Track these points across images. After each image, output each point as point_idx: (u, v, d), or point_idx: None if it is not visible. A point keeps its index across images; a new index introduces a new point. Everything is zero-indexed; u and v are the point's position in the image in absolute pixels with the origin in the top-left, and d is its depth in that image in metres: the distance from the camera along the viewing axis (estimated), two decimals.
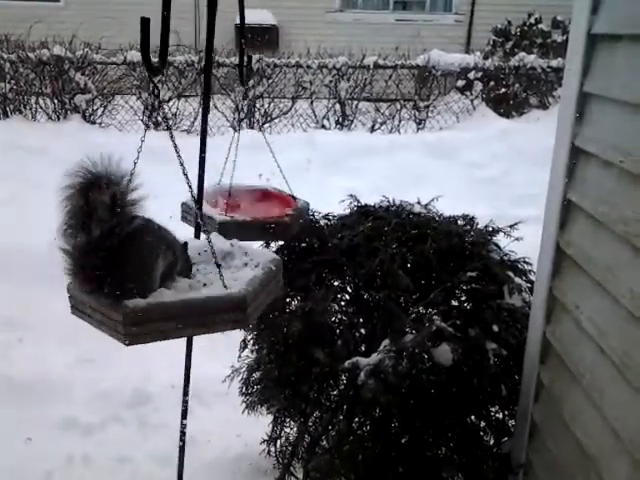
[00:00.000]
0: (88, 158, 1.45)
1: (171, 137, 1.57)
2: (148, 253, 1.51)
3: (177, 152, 1.56)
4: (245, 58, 2.22)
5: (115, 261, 1.44)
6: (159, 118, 7.91)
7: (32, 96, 7.96)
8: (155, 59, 1.52)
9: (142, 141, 1.54)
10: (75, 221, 1.45)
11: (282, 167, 2.41)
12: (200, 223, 1.79)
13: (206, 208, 2.16)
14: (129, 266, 1.47)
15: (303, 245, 2.39)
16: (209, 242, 1.61)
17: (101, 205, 1.47)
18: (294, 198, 2.39)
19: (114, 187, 1.47)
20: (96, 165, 1.46)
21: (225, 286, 1.52)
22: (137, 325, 1.41)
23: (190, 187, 1.60)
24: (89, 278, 1.46)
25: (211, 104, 7.73)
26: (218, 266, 1.56)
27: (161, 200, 2.31)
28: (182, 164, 1.56)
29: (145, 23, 1.43)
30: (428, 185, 5.32)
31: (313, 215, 2.49)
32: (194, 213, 2.05)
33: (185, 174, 1.56)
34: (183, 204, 2.25)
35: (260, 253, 1.78)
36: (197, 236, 2.04)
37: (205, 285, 1.57)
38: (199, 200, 1.99)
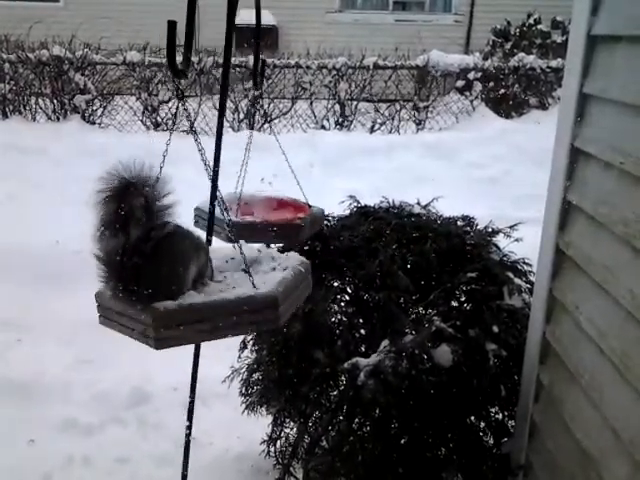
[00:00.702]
0: (121, 163, 1.46)
1: (195, 140, 1.60)
2: (182, 256, 1.51)
3: (201, 154, 1.59)
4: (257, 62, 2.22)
5: (152, 263, 1.45)
6: (159, 118, 7.93)
7: (31, 96, 7.97)
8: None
9: (168, 144, 1.56)
10: (111, 225, 1.45)
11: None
12: (229, 235, 1.76)
13: (217, 211, 2.14)
14: (164, 269, 1.47)
15: (308, 246, 2.38)
16: (240, 247, 1.60)
17: (138, 208, 1.46)
18: (309, 206, 2.37)
19: (149, 191, 1.47)
20: (129, 170, 1.47)
21: (255, 286, 1.50)
22: (168, 328, 1.39)
23: (215, 188, 1.60)
24: (124, 281, 1.45)
25: (210, 104, 7.75)
26: (247, 268, 1.55)
27: None
28: (205, 164, 1.59)
29: (172, 26, 1.43)
30: (428, 186, 5.33)
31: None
32: (203, 215, 2.05)
33: (211, 179, 1.56)
34: (197, 209, 2.22)
35: (288, 257, 1.75)
36: (209, 239, 2.02)
37: (235, 288, 1.56)
38: (212, 203, 1.98)
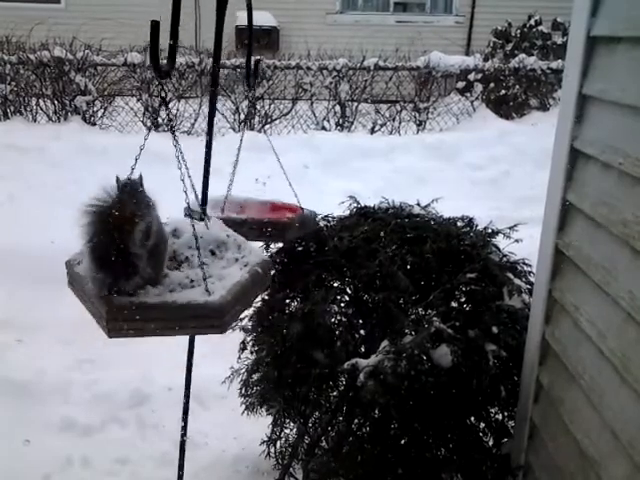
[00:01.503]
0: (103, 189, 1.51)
1: (174, 139, 1.61)
2: (165, 246, 1.62)
3: (178, 154, 1.59)
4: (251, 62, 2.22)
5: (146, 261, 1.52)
6: (160, 119, 7.93)
7: (32, 97, 7.97)
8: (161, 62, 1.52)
9: (142, 146, 1.57)
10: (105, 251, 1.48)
11: (284, 169, 2.40)
12: (192, 211, 1.79)
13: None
14: (157, 262, 1.57)
15: (303, 246, 2.39)
16: (195, 236, 1.65)
17: (137, 238, 1.51)
18: (302, 209, 2.39)
19: (143, 217, 1.51)
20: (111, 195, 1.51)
21: (207, 290, 1.56)
22: (119, 321, 1.48)
23: (192, 188, 1.63)
24: (116, 276, 1.50)
25: None
26: (202, 267, 1.60)
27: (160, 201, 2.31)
28: (185, 165, 1.60)
29: (155, 27, 1.44)
30: (428, 186, 5.34)
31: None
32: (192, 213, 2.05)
33: (189, 175, 1.60)
34: (186, 208, 2.23)
35: (252, 251, 1.80)
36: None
37: (192, 282, 1.62)
38: (204, 199, 1.99)
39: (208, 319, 1.53)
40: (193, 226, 1.66)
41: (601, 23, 1.59)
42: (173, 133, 1.64)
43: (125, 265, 1.47)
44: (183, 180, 1.59)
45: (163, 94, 1.65)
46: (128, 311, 1.47)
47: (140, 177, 1.56)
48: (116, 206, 1.48)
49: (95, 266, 1.48)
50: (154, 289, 1.55)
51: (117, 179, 1.54)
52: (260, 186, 2.64)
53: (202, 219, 1.87)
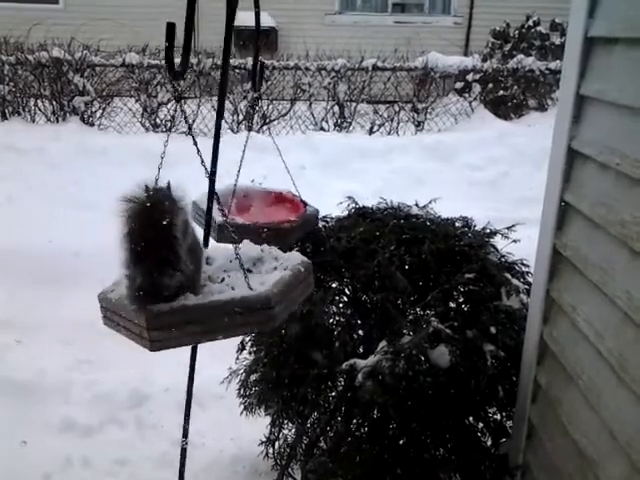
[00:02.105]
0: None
1: (193, 138, 1.60)
2: (201, 251, 1.60)
3: (199, 153, 1.59)
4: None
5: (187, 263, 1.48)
6: (158, 120, 7.93)
7: (31, 98, 7.96)
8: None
9: (165, 145, 1.57)
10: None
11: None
12: (233, 236, 1.77)
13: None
14: (195, 264, 1.53)
15: (301, 247, 2.39)
16: (235, 248, 1.61)
17: (179, 229, 1.46)
18: (305, 204, 2.37)
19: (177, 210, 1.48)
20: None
21: (250, 287, 1.50)
22: (160, 329, 1.39)
23: (213, 189, 1.61)
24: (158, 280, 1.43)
25: (209, 106, 7.75)
26: (242, 267, 1.55)
27: None
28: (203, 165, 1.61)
29: (170, 28, 1.43)
30: (426, 187, 5.35)
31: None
32: (199, 211, 2.06)
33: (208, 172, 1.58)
34: (194, 203, 2.21)
35: (289, 257, 1.75)
36: (206, 238, 2.03)
37: (233, 289, 1.56)
38: (209, 204, 1.99)
39: (255, 313, 1.45)
40: (235, 246, 1.62)
41: (598, 24, 1.60)
42: (192, 135, 1.62)
43: (167, 257, 1.41)
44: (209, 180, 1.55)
45: (177, 96, 1.62)
46: (169, 316, 1.38)
47: (169, 184, 1.51)
48: (155, 200, 1.43)
49: (136, 261, 1.41)
50: (192, 296, 1.47)
51: (146, 185, 1.48)
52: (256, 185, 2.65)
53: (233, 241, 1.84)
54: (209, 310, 1.44)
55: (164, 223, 1.40)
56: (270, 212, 2.41)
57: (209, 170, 1.59)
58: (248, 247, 1.77)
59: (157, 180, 1.47)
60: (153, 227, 1.40)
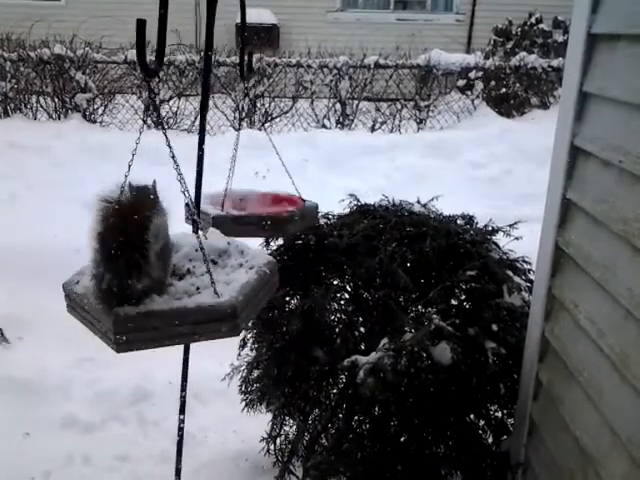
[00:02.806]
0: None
1: (166, 137, 1.57)
2: (170, 251, 1.56)
3: (171, 152, 1.55)
4: (246, 55, 2.22)
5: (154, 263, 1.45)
6: (164, 118, 7.92)
7: (33, 95, 7.97)
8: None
9: (137, 143, 1.54)
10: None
11: (282, 166, 2.40)
12: (197, 220, 1.78)
13: (203, 206, 2.15)
14: (163, 265, 1.50)
15: (303, 244, 2.39)
16: (199, 242, 1.60)
17: (151, 233, 1.44)
18: (303, 200, 2.37)
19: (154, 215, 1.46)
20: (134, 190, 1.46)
21: (217, 293, 1.50)
22: (127, 333, 1.40)
23: (184, 186, 1.60)
24: (121, 278, 1.42)
25: (211, 103, 7.74)
26: (209, 272, 1.54)
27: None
28: (175, 162, 1.56)
29: (141, 25, 1.41)
30: (428, 185, 5.34)
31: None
32: (191, 211, 2.04)
33: (180, 174, 1.56)
34: (187, 205, 2.22)
35: (256, 254, 1.75)
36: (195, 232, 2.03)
37: (199, 289, 1.55)
38: (197, 196, 1.99)
39: (220, 322, 1.46)
40: (197, 235, 1.61)
41: (601, 20, 1.59)
42: (164, 131, 1.60)
43: (137, 261, 1.39)
44: (180, 180, 1.55)
45: (152, 95, 1.60)
46: (136, 321, 1.38)
47: (154, 183, 1.51)
48: (131, 201, 1.42)
49: (106, 261, 1.39)
50: (160, 298, 1.47)
51: (129, 183, 1.48)
52: (260, 180, 2.63)
53: (199, 228, 1.83)
54: (175, 317, 1.43)
55: (137, 226, 1.39)
56: (268, 210, 2.41)
57: (179, 171, 1.55)
58: (215, 238, 1.77)
59: (126, 179, 1.47)
60: (126, 229, 1.38)
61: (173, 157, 1.55)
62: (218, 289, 1.51)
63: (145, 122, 8.06)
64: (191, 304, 1.46)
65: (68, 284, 1.56)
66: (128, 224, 1.39)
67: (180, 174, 1.55)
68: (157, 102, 1.65)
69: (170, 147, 1.54)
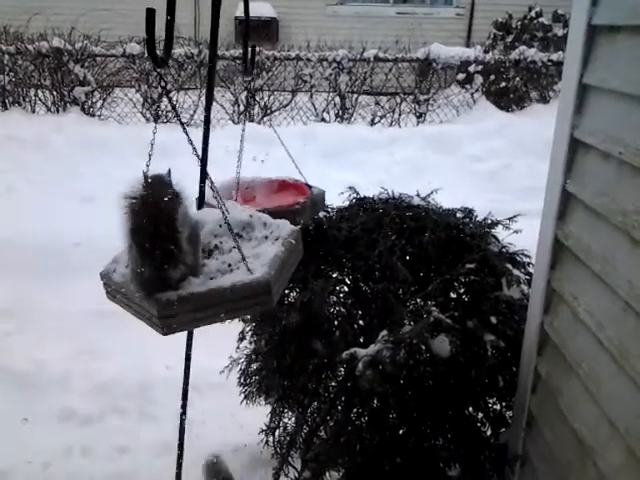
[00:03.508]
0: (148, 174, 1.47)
1: (183, 127, 1.60)
2: (198, 237, 1.59)
3: (190, 142, 1.58)
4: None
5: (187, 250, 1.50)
6: (160, 111, 7.90)
7: (31, 88, 7.94)
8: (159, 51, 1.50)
9: (153, 140, 1.56)
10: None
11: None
12: (217, 198, 1.77)
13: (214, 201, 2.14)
14: (195, 252, 1.55)
15: (302, 236, 2.38)
16: (225, 219, 1.63)
17: (179, 221, 1.48)
18: (309, 187, 2.37)
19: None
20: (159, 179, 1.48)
21: (249, 269, 1.55)
22: (171, 317, 1.46)
23: (204, 178, 1.61)
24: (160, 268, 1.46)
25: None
26: (239, 250, 1.59)
27: None
28: (194, 150, 1.60)
29: (151, 14, 1.42)
30: (428, 179, 5.33)
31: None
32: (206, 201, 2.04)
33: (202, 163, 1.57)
34: (199, 197, 2.21)
35: (280, 225, 1.79)
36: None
37: (230, 267, 1.61)
38: (202, 187, 1.98)
39: (256, 297, 1.52)
40: (222, 210, 1.64)
41: (602, 12, 1.58)
42: (181, 123, 1.63)
43: (171, 251, 1.44)
44: (202, 171, 1.56)
45: (163, 83, 1.61)
46: (178, 305, 1.45)
47: (169, 171, 1.52)
48: (153, 193, 1.44)
49: (141, 257, 1.44)
50: (196, 279, 1.52)
51: (145, 175, 1.49)
52: (260, 167, 2.61)
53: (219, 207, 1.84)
54: (214, 297, 1.49)
55: (165, 217, 1.43)
56: (276, 199, 2.40)
57: (200, 159, 1.58)
58: (237, 211, 1.80)
59: (148, 170, 1.49)
60: (155, 222, 1.42)
61: (192, 146, 1.58)
62: (249, 265, 1.56)
63: (145, 116, 8.04)
64: (227, 283, 1.51)
65: (105, 273, 1.60)
66: (156, 217, 1.42)
67: (203, 161, 1.57)
68: (167, 91, 1.68)
69: (186, 133, 1.57)
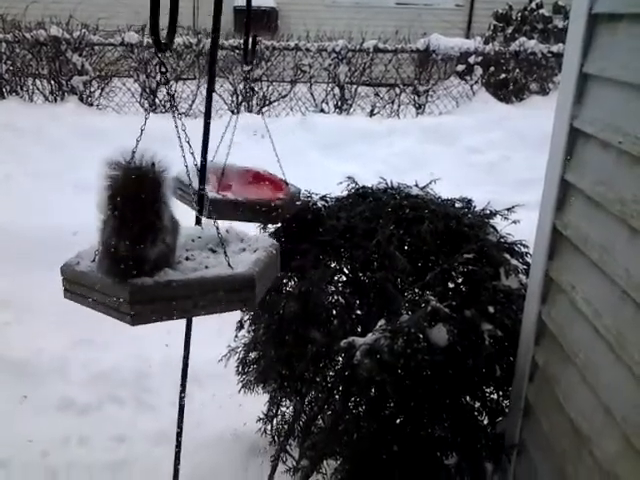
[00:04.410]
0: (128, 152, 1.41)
1: (174, 116, 1.55)
2: (177, 228, 1.52)
3: (178, 131, 1.53)
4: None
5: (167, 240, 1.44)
6: (157, 100, 7.87)
7: (29, 77, 7.89)
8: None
9: (143, 126, 1.51)
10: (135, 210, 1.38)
11: (280, 151, 2.39)
12: (198, 207, 1.76)
13: (197, 185, 2.13)
14: (173, 239, 1.49)
15: (300, 226, 2.38)
16: (217, 226, 1.60)
17: (165, 196, 1.43)
18: (286, 184, 2.37)
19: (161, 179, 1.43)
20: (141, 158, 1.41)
21: (230, 266, 1.49)
22: (143, 304, 1.37)
23: (194, 161, 1.59)
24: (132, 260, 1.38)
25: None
26: (223, 247, 1.55)
27: None
28: (186, 142, 1.55)
29: None
30: (427, 170, 5.32)
31: (310, 197, 2.48)
32: (191, 192, 2.03)
33: (191, 152, 1.54)
34: (175, 179, 2.20)
35: (257, 239, 1.75)
36: (198, 218, 2.02)
37: (207, 268, 1.54)
38: (202, 178, 1.97)
39: (240, 292, 1.46)
40: (215, 226, 1.60)
41: (603, 0, 1.58)
42: (173, 111, 1.57)
43: (152, 222, 1.36)
44: (184, 157, 1.53)
45: (163, 69, 1.58)
46: (153, 291, 1.36)
47: (154, 155, 1.45)
48: (141, 167, 1.38)
49: (118, 228, 1.35)
50: (172, 271, 1.45)
51: (131, 153, 1.42)
52: (256, 140, 2.60)
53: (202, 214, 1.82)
54: (194, 286, 1.42)
55: (151, 188, 1.37)
56: (252, 190, 2.41)
57: (190, 149, 1.55)
58: (211, 227, 1.75)
59: (135, 153, 1.42)
60: (140, 192, 1.35)
61: (179, 135, 1.54)
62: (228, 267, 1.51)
63: (143, 106, 8.01)
64: (210, 274, 1.46)
65: (68, 266, 1.52)
66: (142, 187, 1.36)
67: (186, 142, 1.53)
68: (167, 78, 1.64)
69: (180, 125, 1.54)
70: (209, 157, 2.35)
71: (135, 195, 1.35)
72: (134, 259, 1.37)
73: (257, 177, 2.48)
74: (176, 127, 1.54)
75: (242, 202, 2.18)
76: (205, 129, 2.05)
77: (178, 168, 1.68)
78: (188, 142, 1.57)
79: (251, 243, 1.71)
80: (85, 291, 1.47)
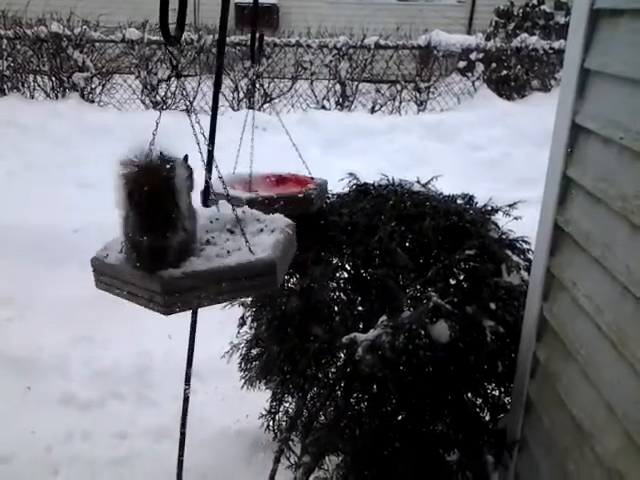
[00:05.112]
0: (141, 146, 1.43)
1: (186, 108, 1.58)
2: (195, 217, 1.56)
3: (191, 121, 1.55)
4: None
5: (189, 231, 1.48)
6: (158, 97, 7.87)
7: (30, 74, 7.89)
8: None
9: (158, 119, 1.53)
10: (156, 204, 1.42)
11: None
12: (216, 194, 1.75)
13: (230, 190, 2.13)
14: (193, 226, 1.52)
15: (302, 222, 2.38)
16: (233, 208, 1.63)
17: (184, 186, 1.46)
18: (312, 178, 2.37)
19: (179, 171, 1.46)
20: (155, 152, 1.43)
21: (252, 251, 1.54)
22: (174, 294, 1.43)
23: (211, 166, 1.59)
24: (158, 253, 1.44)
25: (210, 83, 7.68)
26: (243, 233, 1.59)
27: None
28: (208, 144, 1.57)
29: None
30: (428, 166, 5.32)
31: (312, 193, 2.47)
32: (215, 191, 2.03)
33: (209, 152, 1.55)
34: (206, 188, 2.15)
35: (273, 218, 1.78)
36: (205, 205, 2.04)
37: (229, 253, 1.59)
38: (209, 167, 1.97)
39: (261, 277, 1.51)
40: (212, 207, 1.63)
41: None
42: (185, 104, 1.59)
43: (169, 210, 1.40)
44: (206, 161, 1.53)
45: (174, 62, 1.56)
46: (181, 282, 1.42)
47: (162, 150, 1.47)
48: (153, 160, 1.41)
49: (139, 222, 1.40)
50: (196, 259, 1.50)
51: (141, 149, 1.45)
52: (259, 134, 2.57)
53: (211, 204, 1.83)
54: (218, 275, 1.47)
55: (165, 180, 1.40)
56: (282, 189, 2.40)
57: (207, 147, 1.57)
58: (227, 208, 1.79)
59: (149, 148, 1.44)
60: (155, 185, 1.39)
61: (196, 134, 1.56)
62: (252, 248, 1.55)
63: (145, 103, 8.00)
64: (232, 262, 1.50)
65: (97, 259, 1.56)
66: (153, 178, 1.39)
67: (209, 151, 1.55)
68: (178, 71, 1.64)
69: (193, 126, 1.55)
70: (230, 170, 2.35)
71: (151, 189, 1.39)
72: (158, 250, 1.42)
73: (280, 181, 2.47)
74: (189, 117, 1.56)
75: (277, 198, 2.17)
76: (212, 121, 2.05)
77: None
78: (203, 134, 1.59)
79: (267, 223, 1.75)
80: (118, 283, 1.52)
